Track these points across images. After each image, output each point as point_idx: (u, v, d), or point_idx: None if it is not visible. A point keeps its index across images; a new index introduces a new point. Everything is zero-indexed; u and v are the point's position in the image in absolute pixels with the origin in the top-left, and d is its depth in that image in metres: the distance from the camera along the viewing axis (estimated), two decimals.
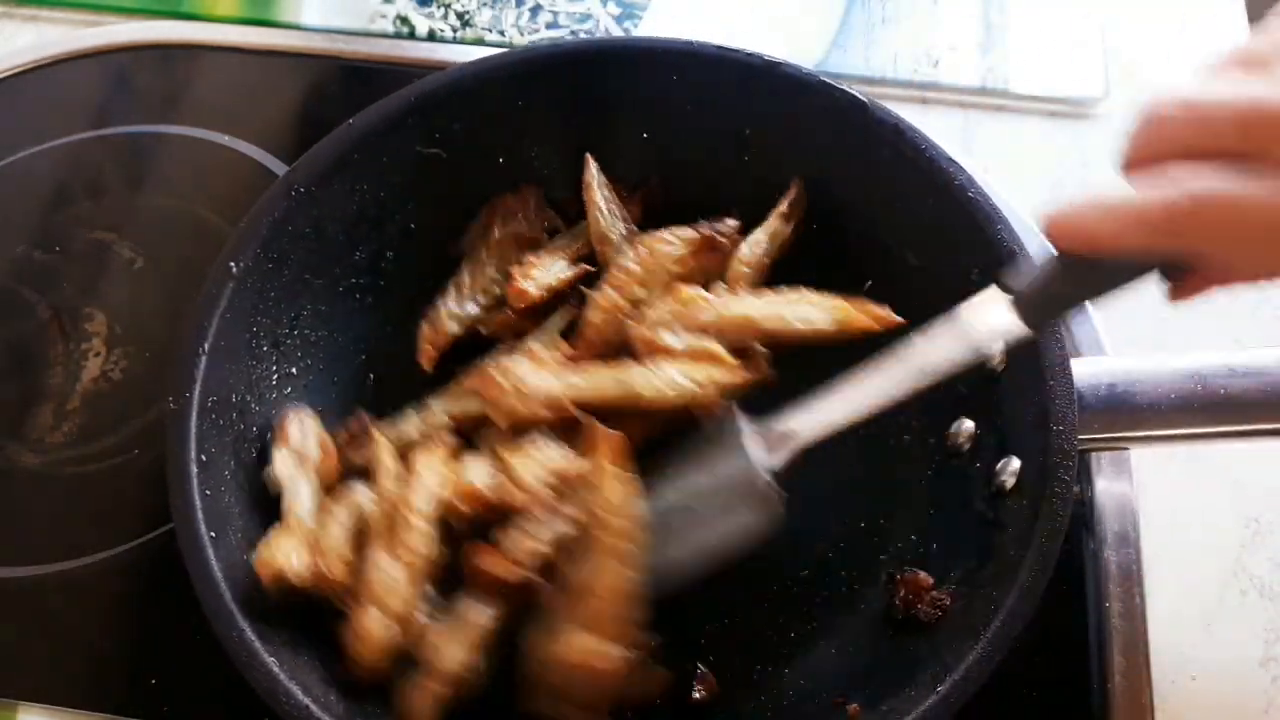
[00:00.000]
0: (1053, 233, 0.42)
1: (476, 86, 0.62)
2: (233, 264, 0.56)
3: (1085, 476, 0.60)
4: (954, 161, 0.57)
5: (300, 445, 0.57)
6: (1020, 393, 0.53)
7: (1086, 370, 0.53)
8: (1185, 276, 0.44)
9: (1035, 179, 0.73)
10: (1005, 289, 0.46)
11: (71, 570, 0.61)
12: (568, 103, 0.63)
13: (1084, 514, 0.60)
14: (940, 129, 0.60)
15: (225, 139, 0.76)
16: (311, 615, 0.52)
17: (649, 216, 0.64)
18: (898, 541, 0.57)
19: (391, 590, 0.51)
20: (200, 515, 0.51)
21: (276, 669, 0.48)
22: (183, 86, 0.78)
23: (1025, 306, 0.46)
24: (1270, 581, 0.59)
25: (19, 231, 0.73)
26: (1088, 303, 0.49)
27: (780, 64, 0.61)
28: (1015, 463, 0.53)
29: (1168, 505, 0.61)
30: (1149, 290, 0.43)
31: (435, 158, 0.63)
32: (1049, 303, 0.46)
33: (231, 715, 0.56)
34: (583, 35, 0.80)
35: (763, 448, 0.52)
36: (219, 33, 0.80)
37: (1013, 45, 0.78)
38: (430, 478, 0.54)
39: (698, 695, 0.54)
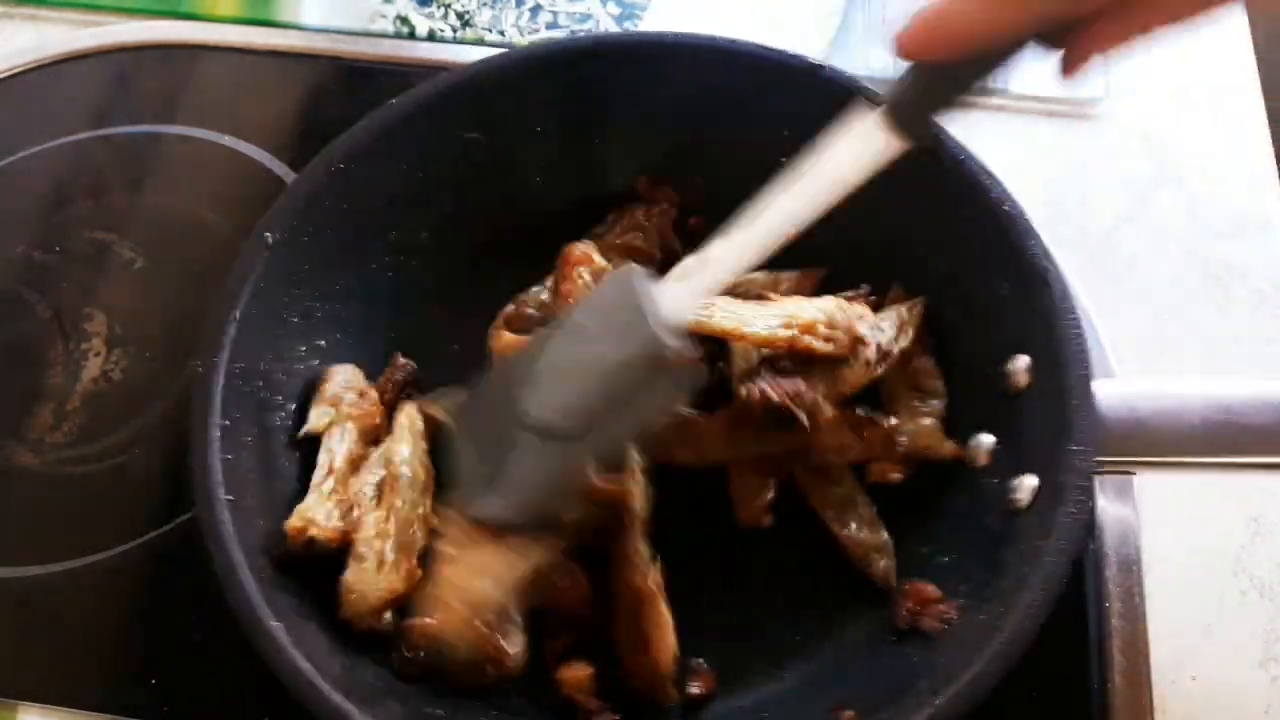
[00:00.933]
0: (913, 47, 0.38)
1: (522, 72, 0.62)
2: (268, 234, 0.57)
3: None
4: (990, 174, 0.56)
5: (339, 396, 0.58)
6: (1041, 411, 0.52)
7: (1109, 391, 0.52)
8: (1071, 43, 0.39)
9: (1035, 179, 0.72)
10: (875, 103, 0.45)
11: (72, 570, 0.61)
12: (618, 94, 0.63)
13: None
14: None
15: (225, 139, 0.76)
16: (326, 580, 0.53)
17: (685, 214, 0.65)
18: (907, 552, 0.57)
19: (369, 544, 0.52)
20: (219, 478, 0.51)
21: (282, 636, 0.48)
22: (183, 86, 0.78)
23: (899, 117, 0.45)
24: (1270, 581, 0.59)
25: (19, 231, 0.73)
26: (963, 99, 0.46)
27: (822, 67, 0.59)
28: (1031, 480, 0.52)
29: (1168, 505, 0.61)
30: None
31: (474, 142, 0.63)
32: (922, 109, 0.45)
33: (232, 715, 0.56)
34: (582, 35, 0.79)
35: (674, 299, 0.49)
36: (219, 33, 0.80)
37: None
38: (408, 430, 0.56)
39: (695, 690, 0.54)
